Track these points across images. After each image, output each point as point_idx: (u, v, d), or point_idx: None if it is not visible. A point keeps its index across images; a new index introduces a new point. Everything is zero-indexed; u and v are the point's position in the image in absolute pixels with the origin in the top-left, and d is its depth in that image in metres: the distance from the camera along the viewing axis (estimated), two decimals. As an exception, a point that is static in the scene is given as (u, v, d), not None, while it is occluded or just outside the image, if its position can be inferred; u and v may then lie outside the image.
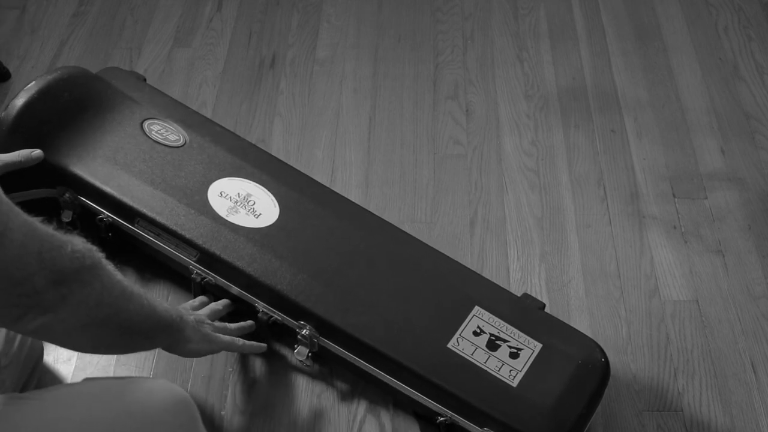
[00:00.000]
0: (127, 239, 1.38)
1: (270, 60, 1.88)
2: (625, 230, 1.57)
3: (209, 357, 1.33)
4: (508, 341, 1.25)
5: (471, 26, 1.96)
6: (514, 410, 1.18)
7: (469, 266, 1.39)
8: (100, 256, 0.92)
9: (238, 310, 1.33)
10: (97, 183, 1.36)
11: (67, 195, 1.37)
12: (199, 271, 1.33)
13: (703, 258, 1.52)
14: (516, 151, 1.70)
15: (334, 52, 1.90)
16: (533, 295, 1.39)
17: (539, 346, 1.25)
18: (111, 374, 1.35)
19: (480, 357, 1.23)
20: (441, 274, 1.33)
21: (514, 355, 1.23)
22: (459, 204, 1.61)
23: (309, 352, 1.29)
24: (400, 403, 1.31)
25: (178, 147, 1.42)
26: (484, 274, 1.42)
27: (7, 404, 0.95)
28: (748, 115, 1.76)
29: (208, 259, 1.32)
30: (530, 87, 1.82)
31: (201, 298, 1.32)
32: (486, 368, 1.22)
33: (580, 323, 1.41)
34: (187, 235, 1.32)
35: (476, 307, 1.28)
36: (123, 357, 1.36)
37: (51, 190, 1.38)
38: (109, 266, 0.94)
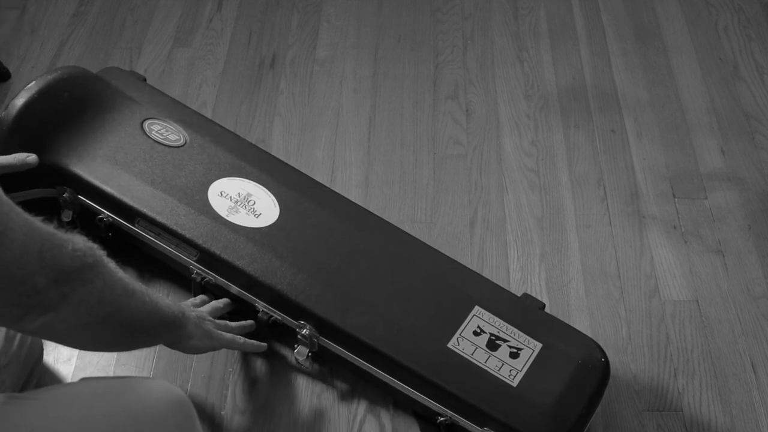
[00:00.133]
0: (127, 239, 1.38)
1: (270, 60, 1.88)
2: (625, 230, 1.57)
3: (209, 356, 1.33)
4: (508, 341, 1.25)
5: (471, 26, 1.96)
6: (514, 410, 1.18)
7: (469, 266, 1.39)
8: (101, 253, 0.92)
9: (238, 310, 1.33)
10: (97, 183, 1.36)
11: (66, 194, 1.37)
12: (199, 271, 1.33)
13: (703, 258, 1.52)
14: (516, 151, 1.70)
15: (334, 52, 1.90)
16: (533, 295, 1.39)
17: (539, 345, 1.25)
18: (111, 374, 1.35)
19: (480, 357, 1.23)
20: (441, 274, 1.33)
21: (514, 355, 1.23)
22: (459, 204, 1.61)
23: (309, 352, 1.29)
24: (400, 403, 1.31)
25: (178, 147, 1.42)
26: (484, 274, 1.42)
27: (5, 404, 0.95)
28: (748, 115, 1.76)
29: (208, 258, 1.32)
30: (530, 87, 1.82)
31: (201, 297, 1.32)
32: (486, 368, 1.22)
33: (580, 323, 1.41)
34: (187, 235, 1.32)
35: (476, 307, 1.28)
36: (123, 357, 1.36)
37: (51, 190, 1.38)
38: (111, 264, 0.93)
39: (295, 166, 1.49)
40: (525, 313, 1.30)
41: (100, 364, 1.36)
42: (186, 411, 1.03)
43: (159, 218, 1.33)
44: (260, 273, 1.29)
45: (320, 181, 1.47)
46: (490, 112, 1.77)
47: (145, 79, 1.58)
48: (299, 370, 1.35)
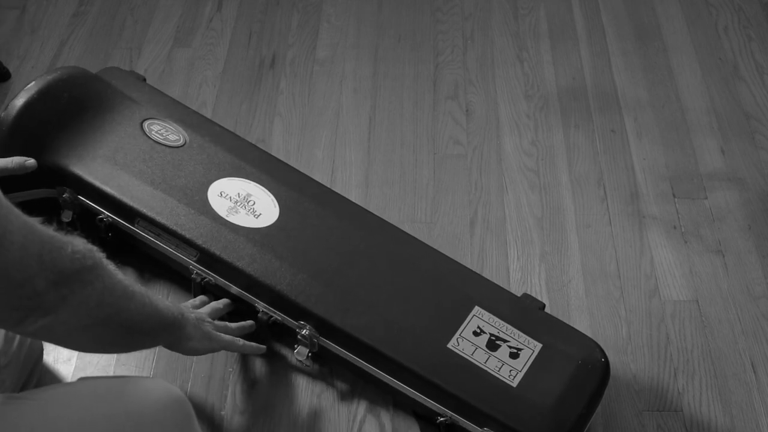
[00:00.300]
0: (126, 239, 1.38)
1: (270, 60, 1.88)
2: (625, 230, 1.57)
3: (209, 357, 1.33)
4: (508, 341, 1.25)
5: (471, 26, 1.96)
6: (514, 410, 1.18)
7: (469, 266, 1.39)
8: (100, 256, 0.92)
9: (238, 310, 1.33)
10: (97, 183, 1.36)
11: (66, 195, 1.37)
12: (199, 271, 1.33)
13: (703, 258, 1.52)
14: (516, 151, 1.70)
15: (334, 52, 1.90)
16: (533, 295, 1.39)
17: (539, 346, 1.25)
18: (111, 374, 1.35)
19: (480, 357, 1.23)
20: (441, 274, 1.33)
21: (514, 355, 1.23)
22: (459, 204, 1.61)
23: (309, 352, 1.29)
24: (400, 403, 1.31)
25: (178, 147, 1.42)
26: (484, 274, 1.42)
27: (4, 404, 0.95)
28: (748, 115, 1.76)
29: (208, 259, 1.32)
30: (530, 87, 1.82)
31: (201, 297, 1.32)
32: (486, 368, 1.22)
33: (580, 323, 1.41)
34: (187, 235, 1.32)
35: (476, 307, 1.28)
36: (123, 357, 1.36)
37: (50, 191, 1.38)
38: (110, 266, 0.93)
39: (295, 166, 1.49)
40: (525, 313, 1.30)
41: (100, 364, 1.36)
42: (185, 411, 1.03)
43: (159, 218, 1.33)
44: (260, 273, 1.29)
45: (320, 181, 1.47)
46: (490, 112, 1.77)
47: (144, 79, 1.58)
48: (299, 370, 1.35)
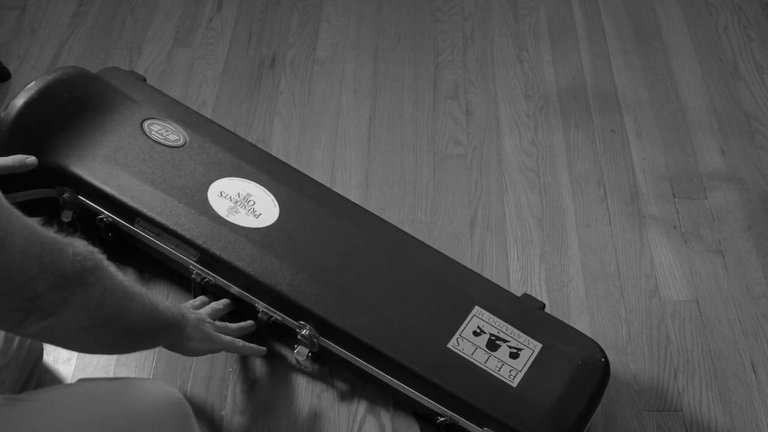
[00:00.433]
0: (127, 240, 1.38)
1: (270, 60, 1.88)
2: (625, 230, 1.57)
3: (209, 357, 1.33)
4: (508, 341, 1.25)
5: (471, 26, 1.96)
6: (514, 410, 1.18)
7: (469, 266, 1.39)
8: (101, 257, 0.92)
9: (238, 310, 1.33)
10: (97, 183, 1.36)
11: (66, 195, 1.37)
12: (199, 272, 1.33)
13: (703, 258, 1.52)
14: (516, 151, 1.70)
15: (334, 52, 1.90)
16: (533, 295, 1.39)
17: (539, 346, 1.25)
18: (111, 374, 1.35)
19: (480, 357, 1.23)
20: (441, 274, 1.33)
21: (514, 355, 1.23)
22: (459, 204, 1.61)
23: (309, 352, 1.29)
24: (400, 403, 1.31)
25: (178, 147, 1.42)
26: (484, 274, 1.42)
27: (3, 405, 0.95)
28: (748, 115, 1.76)
29: (208, 259, 1.32)
30: (530, 87, 1.82)
31: (201, 298, 1.32)
32: (486, 368, 1.22)
33: (580, 323, 1.41)
34: (187, 235, 1.32)
35: (476, 307, 1.28)
36: (123, 357, 1.36)
37: (51, 190, 1.38)
38: (111, 267, 0.94)
39: (295, 166, 1.49)
40: (525, 313, 1.30)
41: (100, 364, 1.36)
42: (184, 412, 1.03)
43: (159, 218, 1.33)
44: (260, 273, 1.29)
45: (320, 181, 1.47)
46: (490, 112, 1.77)
47: (144, 79, 1.58)
48: (299, 370, 1.35)
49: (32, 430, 0.93)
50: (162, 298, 1.09)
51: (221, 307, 1.30)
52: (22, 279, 0.83)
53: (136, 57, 1.87)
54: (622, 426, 1.30)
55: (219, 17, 1.97)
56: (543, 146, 1.71)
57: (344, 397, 1.33)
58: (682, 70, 1.86)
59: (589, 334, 1.34)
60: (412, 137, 1.72)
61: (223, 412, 1.31)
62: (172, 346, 1.13)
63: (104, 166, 1.37)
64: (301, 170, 1.48)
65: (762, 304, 1.46)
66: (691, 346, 1.40)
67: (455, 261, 1.37)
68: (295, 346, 1.30)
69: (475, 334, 1.25)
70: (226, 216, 1.35)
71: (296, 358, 1.30)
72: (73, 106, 1.41)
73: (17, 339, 1.17)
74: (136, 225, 1.35)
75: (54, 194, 1.38)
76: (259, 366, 1.36)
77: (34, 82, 1.39)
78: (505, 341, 1.25)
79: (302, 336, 1.28)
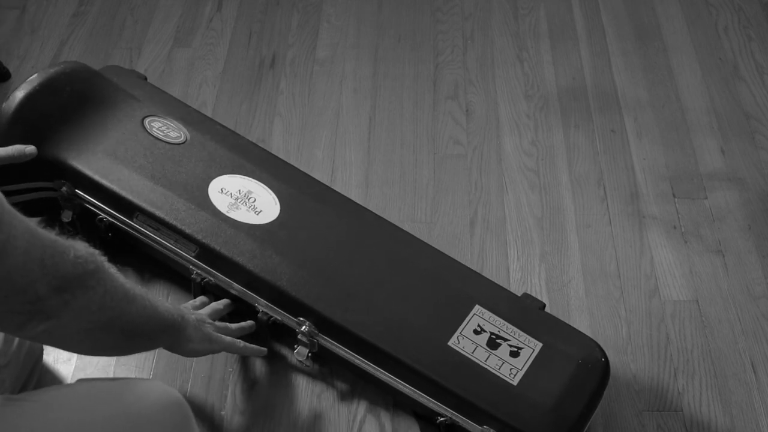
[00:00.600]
0: (127, 239, 1.38)
1: (270, 60, 1.88)
2: (625, 230, 1.56)
3: (209, 357, 1.33)
4: (509, 340, 1.25)
5: (471, 26, 1.96)
6: (515, 409, 1.18)
7: (469, 266, 1.38)
8: (102, 259, 0.92)
9: (238, 310, 1.33)
10: (96, 176, 1.35)
11: (64, 188, 1.36)
12: (198, 272, 1.32)
13: (703, 258, 1.52)
14: (516, 151, 1.70)
15: (334, 52, 1.90)
16: (533, 295, 1.39)
17: (539, 345, 1.25)
18: (111, 374, 1.35)
19: (480, 355, 1.23)
20: (441, 273, 1.33)
21: (514, 354, 1.23)
22: (459, 204, 1.61)
23: (309, 352, 1.29)
24: (400, 403, 1.31)
25: (179, 144, 1.42)
26: (484, 274, 1.42)
27: (2, 406, 0.95)
28: (748, 115, 1.76)
29: (207, 254, 1.31)
30: (530, 87, 1.82)
31: (202, 298, 1.32)
32: (487, 366, 1.22)
33: (580, 323, 1.41)
34: (187, 230, 1.31)
35: (477, 306, 1.28)
36: (123, 357, 1.36)
37: (48, 184, 1.37)
38: (112, 269, 0.94)
39: (295, 166, 1.49)
40: (525, 312, 1.30)
41: (100, 364, 1.36)
42: (183, 412, 1.03)
43: (158, 213, 1.32)
44: (260, 269, 1.29)
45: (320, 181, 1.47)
46: (490, 112, 1.77)
47: (145, 78, 1.58)
48: (299, 370, 1.35)
49: (32, 429, 0.93)
50: (162, 299, 1.08)
51: (221, 307, 1.30)
52: (24, 282, 0.83)
53: (136, 57, 1.87)
54: (622, 426, 1.30)
55: (219, 17, 1.97)
56: (543, 146, 1.71)
57: (344, 397, 1.33)
58: (682, 70, 1.86)
59: (589, 334, 1.34)
60: (412, 137, 1.72)
61: (223, 412, 1.31)
62: (171, 348, 1.13)
63: (104, 160, 1.36)
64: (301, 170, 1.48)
65: (762, 304, 1.46)
66: (691, 346, 1.40)
67: (455, 260, 1.37)
68: (295, 346, 1.30)
69: (476, 332, 1.25)
70: (227, 212, 1.34)
71: (296, 358, 1.30)
72: (75, 100, 1.40)
73: (17, 339, 1.17)
74: (134, 220, 1.34)
75: (51, 187, 1.37)
76: (259, 366, 1.36)
77: (36, 75, 1.38)
78: (505, 340, 1.25)
79: (302, 333, 1.27)
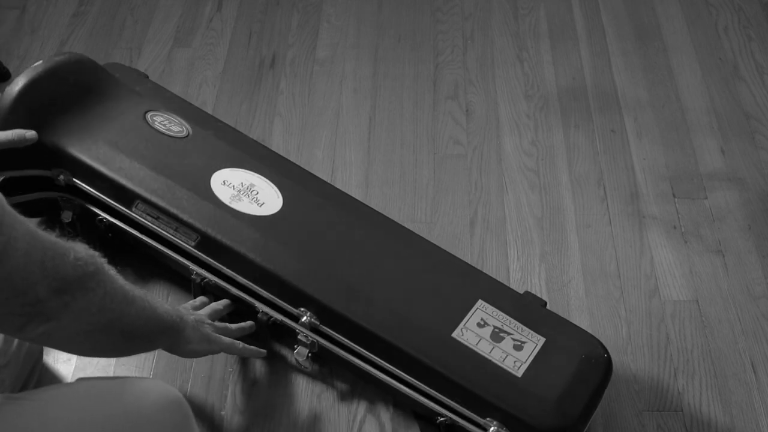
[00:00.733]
0: (126, 239, 1.37)
1: (270, 60, 1.88)
2: (625, 230, 1.56)
3: (209, 357, 1.33)
4: (512, 334, 1.24)
5: (471, 26, 1.96)
6: (520, 401, 1.17)
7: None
8: (102, 261, 0.92)
9: (238, 310, 1.33)
10: (96, 164, 1.33)
11: (62, 177, 1.34)
12: (198, 270, 1.32)
13: (703, 258, 1.52)
14: (516, 151, 1.70)
15: (334, 52, 1.90)
16: (533, 295, 1.39)
17: (542, 339, 1.24)
18: (111, 374, 1.35)
19: (484, 347, 1.22)
20: (444, 269, 1.33)
21: (518, 347, 1.23)
22: (459, 204, 1.60)
23: (309, 352, 1.29)
24: (400, 403, 1.31)
25: (181, 138, 1.42)
26: (484, 274, 1.42)
27: (2, 405, 0.95)
28: (748, 115, 1.76)
29: (208, 244, 1.30)
30: (530, 87, 1.82)
31: (201, 298, 1.32)
32: (491, 358, 1.21)
33: (580, 323, 1.41)
34: (188, 219, 1.30)
35: (480, 301, 1.28)
36: (123, 357, 1.36)
37: (46, 172, 1.36)
38: (111, 271, 0.94)
39: (297, 164, 1.49)
40: (527, 309, 1.29)
41: (100, 364, 1.36)
42: (183, 412, 1.03)
43: (159, 201, 1.31)
44: (262, 258, 1.27)
45: (320, 181, 1.47)
46: (490, 112, 1.77)
47: (147, 76, 1.57)
48: (299, 370, 1.35)
49: (32, 429, 0.93)
50: (161, 301, 1.08)
51: (221, 307, 1.30)
52: (25, 284, 0.83)
53: (136, 57, 1.87)
54: (622, 426, 1.30)
55: (219, 17, 1.97)
56: (543, 146, 1.71)
57: (344, 397, 1.33)
58: (682, 70, 1.86)
59: (589, 333, 1.35)
60: (412, 137, 1.72)
61: (223, 412, 1.31)
62: (170, 349, 1.13)
63: (104, 149, 1.35)
64: (301, 170, 1.48)
65: (762, 304, 1.45)
66: (691, 346, 1.40)
67: (457, 257, 1.36)
68: (295, 346, 1.30)
69: (479, 325, 1.25)
70: (229, 203, 1.33)
71: (296, 359, 1.30)
72: (78, 90, 1.40)
73: (17, 339, 1.17)
74: (134, 209, 1.33)
75: (49, 176, 1.36)
76: (259, 366, 1.36)
77: (41, 62, 1.36)
78: (509, 334, 1.24)
79: (302, 325, 1.26)
